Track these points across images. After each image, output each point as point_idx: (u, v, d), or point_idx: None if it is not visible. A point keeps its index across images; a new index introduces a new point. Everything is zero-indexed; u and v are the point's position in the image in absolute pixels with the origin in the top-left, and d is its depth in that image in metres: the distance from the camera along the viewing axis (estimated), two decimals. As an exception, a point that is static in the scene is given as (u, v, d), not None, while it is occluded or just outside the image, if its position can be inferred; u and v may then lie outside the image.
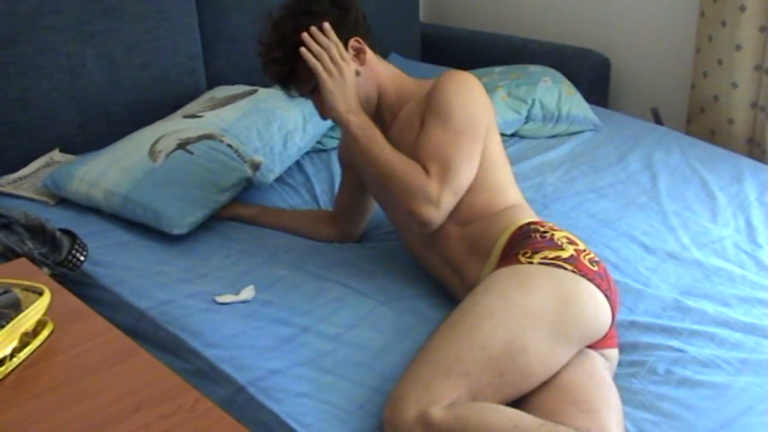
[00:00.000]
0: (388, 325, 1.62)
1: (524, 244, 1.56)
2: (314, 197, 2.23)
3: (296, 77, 1.66)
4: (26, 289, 1.07)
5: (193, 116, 2.28)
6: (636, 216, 2.08)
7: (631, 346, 1.60)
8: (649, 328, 1.65)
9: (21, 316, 1.00)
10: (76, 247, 1.67)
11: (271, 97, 2.40)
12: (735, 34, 2.47)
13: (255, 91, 2.42)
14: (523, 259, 1.51)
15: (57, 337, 1.07)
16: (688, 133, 2.70)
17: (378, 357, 1.53)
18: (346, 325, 1.61)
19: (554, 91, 2.60)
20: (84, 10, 2.33)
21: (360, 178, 1.92)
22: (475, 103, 1.66)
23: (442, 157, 1.58)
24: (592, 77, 2.93)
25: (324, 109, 1.67)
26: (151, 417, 0.93)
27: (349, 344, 1.56)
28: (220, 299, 1.67)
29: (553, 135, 2.58)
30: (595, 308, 1.48)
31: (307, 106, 2.37)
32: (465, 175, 1.62)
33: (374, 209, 2.01)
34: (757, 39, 2.45)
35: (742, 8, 2.43)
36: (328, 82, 1.60)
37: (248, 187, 2.13)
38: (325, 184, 2.29)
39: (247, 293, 1.69)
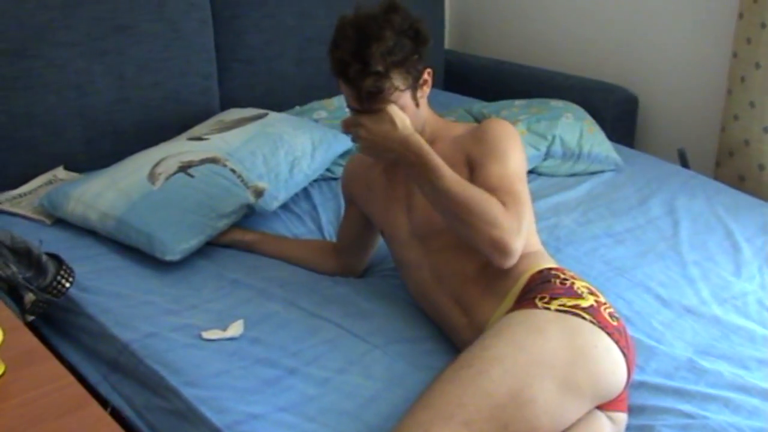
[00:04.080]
0: (381, 372, 1.54)
1: (542, 288, 1.50)
2: (319, 227, 2.16)
3: (385, 95, 1.56)
4: (-21, 327, 1.01)
5: (198, 139, 2.22)
6: (653, 265, 1.98)
7: (639, 409, 1.51)
8: (659, 389, 1.55)
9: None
10: (62, 273, 1.61)
11: (280, 121, 2.34)
12: (769, 77, 2.38)
13: (265, 115, 2.36)
14: (540, 303, 1.46)
15: (7, 380, 1.01)
16: (716, 177, 2.61)
17: (366, 406, 1.45)
18: (336, 369, 1.54)
19: (575, 128, 2.52)
20: (96, 27, 2.30)
21: (363, 212, 1.86)
22: (522, 153, 1.64)
23: (511, 191, 1.53)
24: (619, 114, 2.85)
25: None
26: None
27: (336, 390, 1.48)
28: (206, 335, 1.60)
29: (573, 173, 2.49)
30: (611, 364, 1.42)
31: (316, 132, 2.31)
32: (530, 213, 1.56)
33: (378, 245, 1.94)
34: (791, 83, 2.35)
35: (777, 50, 2.34)
36: (365, 150, 1.59)
37: (250, 214, 2.06)
38: (331, 214, 2.22)
39: (235, 329, 1.62)
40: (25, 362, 1.04)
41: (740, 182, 2.55)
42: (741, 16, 2.46)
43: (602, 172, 2.50)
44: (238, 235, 2.00)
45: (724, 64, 2.60)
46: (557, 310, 1.44)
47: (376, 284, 1.88)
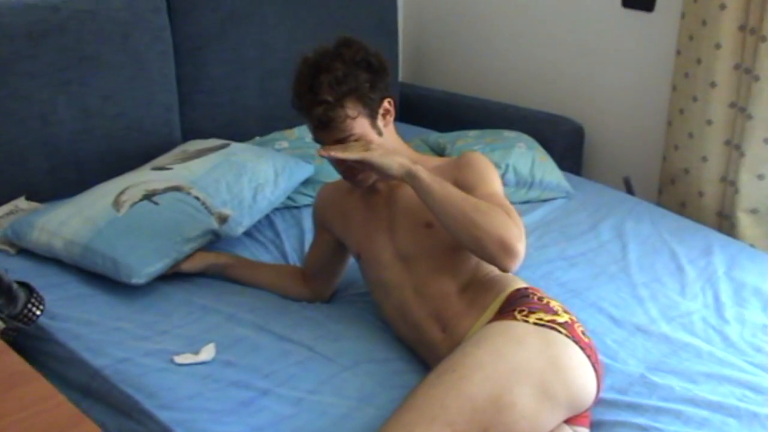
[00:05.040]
0: (352, 391, 1.59)
1: (521, 302, 1.59)
2: (283, 254, 2.21)
3: (336, 123, 1.64)
4: (-30, 348, 1.03)
5: (162, 168, 2.25)
6: (605, 286, 2.07)
7: (596, 424, 1.58)
8: (614, 404, 1.63)
9: (-39, 377, 0.96)
10: (33, 300, 1.61)
11: (242, 150, 2.39)
12: (706, 108, 2.50)
13: (227, 145, 2.41)
14: (519, 316, 1.54)
15: (-2, 401, 1.02)
16: (659, 203, 2.72)
17: (339, 424, 1.50)
18: (308, 390, 1.58)
19: (528, 157, 2.61)
20: (61, 58, 2.31)
21: (334, 239, 1.91)
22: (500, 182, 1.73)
23: (505, 205, 1.61)
24: (567, 144, 2.94)
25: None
26: (91, 492, 0.89)
27: (310, 410, 1.53)
28: (178, 359, 1.63)
29: (526, 201, 2.57)
30: (584, 376, 1.50)
31: (279, 160, 2.37)
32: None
33: (346, 271, 1.99)
34: (727, 114, 2.48)
35: (713, 84, 2.46)
36: (374, 156, 1.60)
37: (215, 241, 2.10)
38: (295, 242, 2.27)
39: (207, 353, 1.65)
40: (14, 383, 1.05)
41: (681, 208, 2.66)
42: (678, 52, 2.59)
43: (554, 199, 2.59)
44: (212, 258, 2.03)
45: (664, 97, 2.72)
46: (535, 324, 1.52)
47: (344, 308, 1.93)
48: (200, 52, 2.66)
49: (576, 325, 1.57)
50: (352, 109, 1.64)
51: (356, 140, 1.65)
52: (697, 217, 2.57)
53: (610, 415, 1.60)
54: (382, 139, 1.70)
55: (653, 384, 1.69)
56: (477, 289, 1.66)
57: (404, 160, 1.61)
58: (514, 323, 1.53)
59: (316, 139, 1.71)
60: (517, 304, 1.58)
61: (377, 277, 1.78)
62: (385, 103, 1.71)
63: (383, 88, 1.70)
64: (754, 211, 2.49)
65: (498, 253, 1.53)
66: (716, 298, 2.04)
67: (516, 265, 1.55)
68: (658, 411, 1.61)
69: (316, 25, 2.90)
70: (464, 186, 1.64)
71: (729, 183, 2.53)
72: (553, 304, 1.62)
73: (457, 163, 1.72)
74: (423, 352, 1.71)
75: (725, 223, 2.56)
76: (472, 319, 1.62)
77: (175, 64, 2.60)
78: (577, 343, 1.52)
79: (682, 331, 1.90)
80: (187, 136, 2.63)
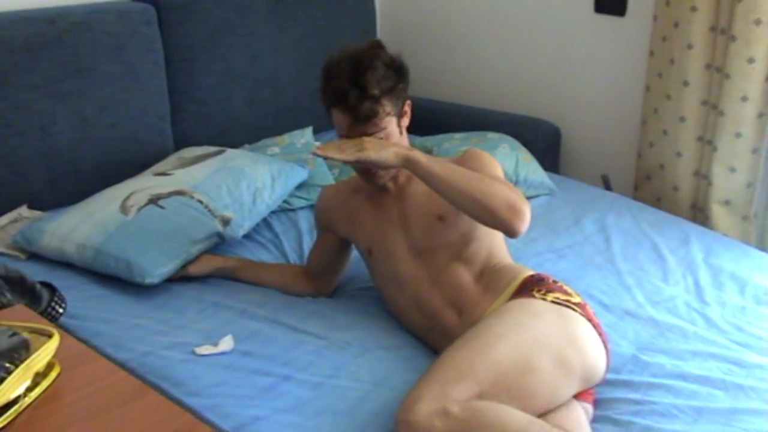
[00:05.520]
0: (367, 375, 1.67)
1: (538, 284, 1.71)
2: (283, 254, 2.28)
3: (377, 118, 1.71)
4: (33, 331, 1.10)
5: (164, 174, 2.32)
6: (593, 275, 2.18)
7: (596, 402, 1.68)
8: (610, 383, 1.73)
9: (34, 356, 1.02)
10: (56, 299, 1.68)
11: (239, 156, 2.46)
12: (679, 107, 2.63)
13: (223, 151, 2.48)
14: (537, 294, 1.66)
15: (64, 378, 1.09)
16: (635, 199, 2.83)
17: (358, 405, 1.58)
18: (326, 375, 1.67)
19: (512, 157, 2.71)
20: (58, 70, 2.37)
21: (338, 239, 1.99)
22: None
23: (506, 184, 1.70)
24: (544, 145, 3.04)
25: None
26: (163, 453, 0.96)
27: (329, 393, 1.61)
28: (199, 351, 1.70)
29: (511, 199, 2.67)
30: (596, 352, 1.63)
31: (274, 165, 2.44)
32: None
33: (347, 268, 2.08)
34: (699, 112, 2.60)
35: (686, 83, 2.59)
36: (370, 155, 1.65)
37: (219, 243, 2.17)
38: (293, 242, 2.34)
39: (226, 344, 1.72)
40: (77, 362, 1.12)
41: (657, 203, 2.77)
42: (652, 53, 2.72)
43: (538, 196, 2.70)
44: (220, 263, 2.10)
45: (638, 97, 2.85)
46: (552, 302, 1.65)
47: (347, 302, 2.01)
48: (190, 63, 2.72)
49: (587, 307, 1.70)
50: (389, 106, 1.73)
51: (382, 137, 1.72)
52: (673, 211, 2.68)
53: (607, 393, 1.70)
54: (401, 138, 1.79)
55: (645, 363, 1.80)
56: (491, 276, 1.77)
57: (399, 148, 1.67)
58: (533, 300, 1.65)
59: (345, 134, 1.74)
60: (534, 286, 1.70)
61: (391, 272, 1.85)
62: (406, 105, 1.81)
63: (406, 92, 1.80)
64: (726, 203, 2.61)
65: (509, 216, 1.61)
66: (696, 284, 2.16)
67: (525, 227, 1.63)
68: (651, 386, 1.72)
69: (300, 37, 2.99)
70: None
71: (702, 177, 2.65)
72: (566, 287, 1.74)
73: (462, 158, 1.82)
74: (435, 339, 1.79)
75: (699, 215, 2.68)
76: (488, 302, 1.73)
77: (167, 75, 2.66)
78: (589, 321, 1.64)
79: (667, 314, 2.01)
80: (179, 144, 2.69)
